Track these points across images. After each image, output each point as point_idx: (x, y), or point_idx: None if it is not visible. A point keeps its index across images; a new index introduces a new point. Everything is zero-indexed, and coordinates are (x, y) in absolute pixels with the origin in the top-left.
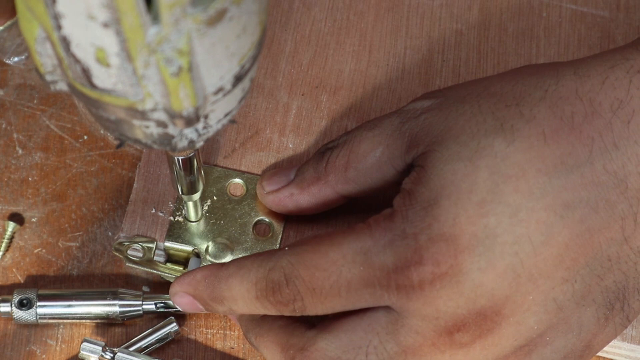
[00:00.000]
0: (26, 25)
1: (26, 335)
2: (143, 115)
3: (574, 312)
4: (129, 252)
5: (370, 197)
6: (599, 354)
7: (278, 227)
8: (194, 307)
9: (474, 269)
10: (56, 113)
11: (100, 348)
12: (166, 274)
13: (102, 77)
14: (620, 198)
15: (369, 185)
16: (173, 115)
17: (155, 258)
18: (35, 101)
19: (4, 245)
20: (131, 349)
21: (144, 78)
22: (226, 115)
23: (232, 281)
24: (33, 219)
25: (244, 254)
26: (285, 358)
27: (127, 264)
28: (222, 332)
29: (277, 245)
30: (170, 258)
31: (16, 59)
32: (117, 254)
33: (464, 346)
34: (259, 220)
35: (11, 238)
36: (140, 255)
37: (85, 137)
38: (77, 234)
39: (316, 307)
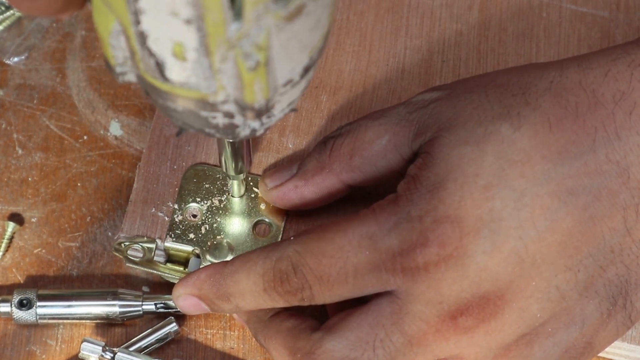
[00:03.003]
0: (101, 18)
1: (26, 335)
2: (213, 107)
3: (577, 303)
4: (129, 252)
5: (375, 186)
6: (599, 354)
7: (278, 227)
8: (198, 308)
9: (478, 251)
10: (56, 113)
11: (100, 348)
12: (166, 274)
13: (176, 71)
14: (622, 188)
15: (374, 173)
16: (244, 108)
17: (155, 258)
18: (35, 101)
19: (3, 245)
20: (131, 349)
21: (220, 72)
22: (289, 104)
23: (238, 276)
24: (33, 219)
25: None
26: None
27: (127, 264)
28: (222, 332)
29: None
30: (170, 258)
31: (16, 59)
32: (117, 254)
33: (467, 331)
34: (259, 220)
35: (11, 238)
36: (140, 255)
37: (85, 137)
38: (77, 234)
39: (324, 295)
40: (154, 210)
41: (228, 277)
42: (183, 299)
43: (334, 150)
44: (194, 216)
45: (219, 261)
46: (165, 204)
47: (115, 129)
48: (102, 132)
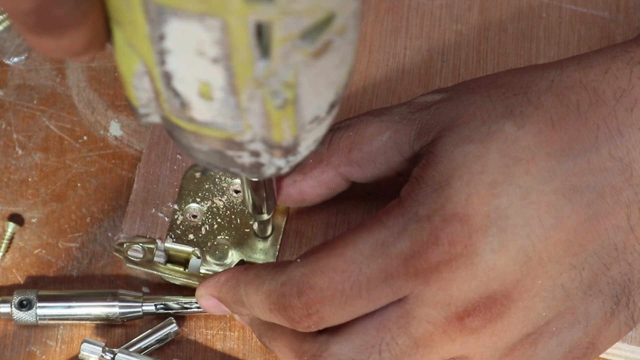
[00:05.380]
0: (124, 60)
1: (26, 336)
2: (239, 146)
3: (582, 302)
4: (129, 252)
5: (375, 184)
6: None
7: (278, 226)
8: (219, 309)
9: (487, 250)
10: (56, 113)
11: (100, 349)
12: (166, 275)
13: (202, 111)
14: (626, 185)
15: (372, 170)
16: (272, 146)
17: (156, 259)
18: (34, 102)
19: (3, 246)
20: (131, 349)
21: (247, 111)
22: (314, 141)
23: (249, 289)
24: (33, 220)
25: (244, 255)
26: None
27: (127, 264)
28: (222, 332)
29: (277, 246)
30: (171, 259)
31: (16, 59)
32: (117, 254)
33: (474, 332)
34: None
35: (11, 239)
36: (141, 256)
37: (85, 138)
38: (77, 234)
39: (335, 316)
40: (154, 210)
41: (241, 286)
42: (205, 299)
43: (333, 142)
44: (194, 217)
45: (219, 262)
46: (165, 205)
47: (115, 129)
48: (102, 132)
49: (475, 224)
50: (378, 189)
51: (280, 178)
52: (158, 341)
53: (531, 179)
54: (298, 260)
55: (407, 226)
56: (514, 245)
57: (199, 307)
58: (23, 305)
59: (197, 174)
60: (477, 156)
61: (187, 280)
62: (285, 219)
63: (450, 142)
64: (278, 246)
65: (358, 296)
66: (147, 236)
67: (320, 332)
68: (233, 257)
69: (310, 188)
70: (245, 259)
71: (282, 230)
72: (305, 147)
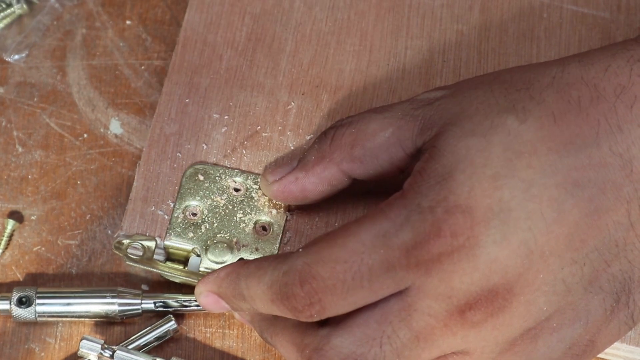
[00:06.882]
0: None
1: (25, 333)
2: None
3: (582, 297)
4: (128, 250)
5: (376, 183)
6: (599, 355)
7: (278, 226)
8: (219, 306)
9: (489, 242)
10: (56, 111)
11: (99, 346)
12: (166, 273)
13: None
14: (626, 181)
15: (375, 166)
16: None
17: (155, 257)
18: (35, 99)
19: (3, 243)
20: (130, 347)
21: None
22: None
23: (250, 281)
24: (32, 217)
25: (244, 254)
26: (301, 358)
27: (127, 262)
28: (221, 330)
29: (277, 245)
30: (170, 257)
31: (16, 56)
32: (117, 252)
33: (475, 325)
34: (259, 220)
35: (10, 236)
36: (140, 253)
37: (85, 135)
38: (77, 232)
39: (337, 305)
40: (153, 208)
41: (242, 280)
42: (204, 297)
43: (335, 139)
44: (194, 215)
45: (218, 260)
46: (165, 203)
47: (115, 127)
48: (102, 130)
49: (477, 215)
50: (379, 186)
51: (283, 176)
52: (157, 339)
53: (533, 173)
54: (300, 250)
55: (410, 217)
56: (516, 238)
57: (198, 305)
58: (22, 303)
59: (200, 177)
60: (480, 149)
61: (187, 278)
62: (285, 218)
63: (453, 136)
64: (278, 245)
65: (359, 286)
66: (147, 234)
67: (322, 326)
68: (232, 255)
69: (312, 185)
70: (244, 258)
71: (282, 229)
72: None
